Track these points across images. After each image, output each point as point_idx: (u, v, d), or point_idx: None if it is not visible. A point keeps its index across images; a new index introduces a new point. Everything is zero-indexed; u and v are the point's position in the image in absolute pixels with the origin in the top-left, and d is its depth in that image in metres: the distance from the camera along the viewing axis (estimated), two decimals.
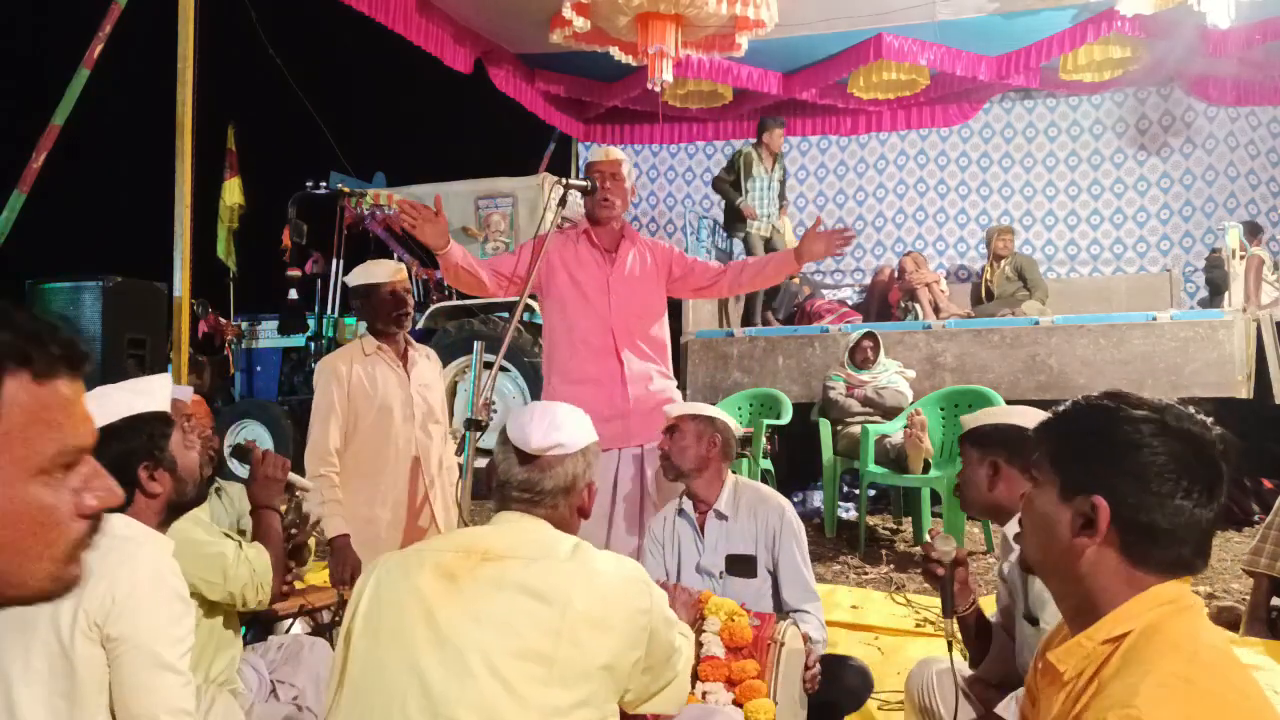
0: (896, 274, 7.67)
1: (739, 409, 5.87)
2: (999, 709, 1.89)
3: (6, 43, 11.39)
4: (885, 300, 7.69)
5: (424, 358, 3.24)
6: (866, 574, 4.55)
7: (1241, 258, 5.94)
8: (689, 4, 5.80)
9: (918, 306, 7.13)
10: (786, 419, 5.62)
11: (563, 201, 3.19)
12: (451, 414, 4.80)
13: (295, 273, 7.85)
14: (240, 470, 7.14)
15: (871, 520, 5.53)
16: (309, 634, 2.69)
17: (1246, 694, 0.99)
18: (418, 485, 3.11)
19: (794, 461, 6.29)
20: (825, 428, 5.36)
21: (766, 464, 5.57)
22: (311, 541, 2.89)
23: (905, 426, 4.81)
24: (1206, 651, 1.02)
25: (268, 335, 8.29)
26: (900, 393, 5.26)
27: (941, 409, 5.20)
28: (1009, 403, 4.87)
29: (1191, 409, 1.11)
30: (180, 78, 4.76)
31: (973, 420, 2.06)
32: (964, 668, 2.03)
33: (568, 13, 5.94)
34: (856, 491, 5.44)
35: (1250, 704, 0.98)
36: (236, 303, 8.69)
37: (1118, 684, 1.00)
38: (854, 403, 5.31)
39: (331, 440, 2.95)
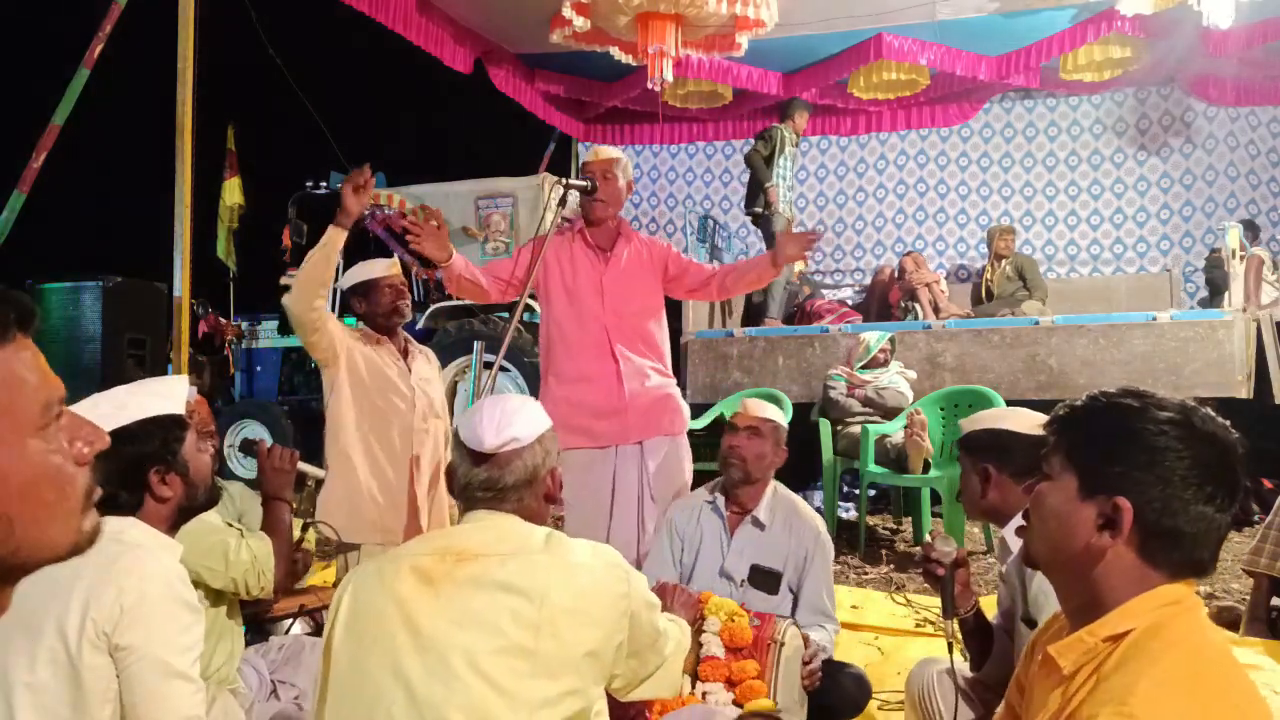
0: (896, 274, 7.67)
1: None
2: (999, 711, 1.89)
3: (6, 43, 11.39)
4: (885, 300, 7.69)
5: (422, 355, 3.27)
6: (866, 574, 4.55)
7: (1241, 258, 5.94)
8: (689, 4, 5.80)
9: (918, 306, 7.12)
10: (786, 419, 5.61)
11: (563, 201, 3.20)
12: (452, 414, 4.81)
13: (295, 273, 7.84)
14: (243, 467, 7.15)
15: (871, 520, 5.53)
16: (309, 634, 2.69)
17: (1246, 696, 0.99)
18: (416, 477, 3.12)
19: (794, 461, 6.25)
20: (825, 428, 5.36)
21: None
22: (311, 543, 2.89)
23: (905, 426, 4.81)
24: (1207, 651, 1.02)
25: (268, 335, 8.28)
26: (901, 393, 5.26)
27: (941, 409, 5.20)
28: (1009, 403, 4.87)
29: (1209, 409, 1.10)
30: (180, 78, 4.76)
31: (968, 424, 2.06)
32: (965, 669, 2.03)
33: (568, 12, 5.94)
34: (856, 491, 5.44)
35: (1250, 706, 0.98)
36: (236, 303, 8.68)
37: (1115, 680, 1.00)
38: (854, 403, 5.31)
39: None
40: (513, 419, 1.51)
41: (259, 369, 8.29)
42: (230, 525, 2.09)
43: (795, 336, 6.28)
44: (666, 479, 3.10)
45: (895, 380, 5.34)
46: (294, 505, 2.33)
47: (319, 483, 3.15)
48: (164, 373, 5.32)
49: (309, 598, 2.92)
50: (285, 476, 2.27)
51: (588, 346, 3.09)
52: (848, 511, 5.94)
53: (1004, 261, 7.42)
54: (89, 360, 5.26)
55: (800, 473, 6.38)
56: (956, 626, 1.92)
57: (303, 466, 2.38)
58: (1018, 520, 1.93)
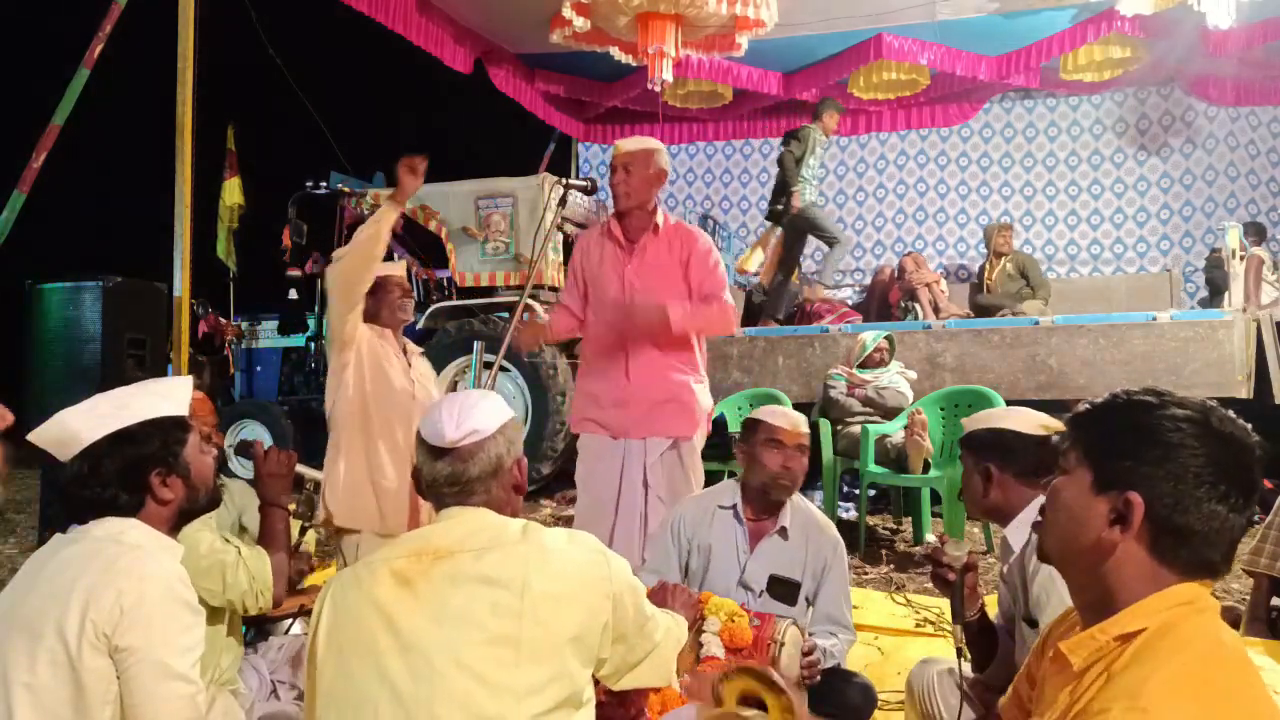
0: (896, 274, 7.67)
1: (739, 409, 5.87)
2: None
3: (6, 43, 11.39)
4: (885, 300, 7.69)
5: (420, 356, 3.28)
6: (866, 574, 4.55)
7: (1241, 258, 5.94)
8: (689, 4, 5.80)
9: (918, 306, 7.12)
10: None
11: (563, 201, 3.21)
12: None
13: (295, 273, 7.84)
14: (243, 467, 7.14)
15: (871, 520, 5.53)
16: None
17: (1258, 698, 0.98)
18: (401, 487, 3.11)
19: None
20: (825, 428, 5.35)
21: None
22: (312, 544, 2.89)
23: (906, 425, 4.81)
24: (1220, 652, 1.01)
25: (268, 335, 8.29)
26: (901, 393, 5.26)
27: (941, 409, 5.20)
28: (1009, 403, 4.87)
29: (1232, 412, 1.10)
30: (180, 78, 4.76)
31: (970, 423, 2.06)
32: (967, 671, 2.03)
33: (568, 13, 5.94)
34: (856, 491, 5.44)
35: (1262, 708, 0.98)
36: (236, 303, 8.69)
37: (1126, 677, 1.00)
38: (855, 402, 5.31)
39: None
40: (472, 412, 1.51)
41: (259, 369, 8.30)
42: (228, 540, 2.04)
43: (795, 336, 6.28)
44: (667, 482, 3.08)
45: (895, 380, 5.34)
46: (292, 510, 2.31)
47: (317, 485, 3.13)
48: (164, 373, 5.32)
49: (309, 598, 2.91)
50: (282, 482, 2.24)
51: (605, 337, 3.15)
52: (848, 511, 5.94)
53: (1004, 259, 7.41)
54: (89, 360, 5.25)
55: None
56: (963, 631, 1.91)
57: (301, 469, 2.35)
58: (1019, 519, 1.93)
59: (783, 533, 2.56)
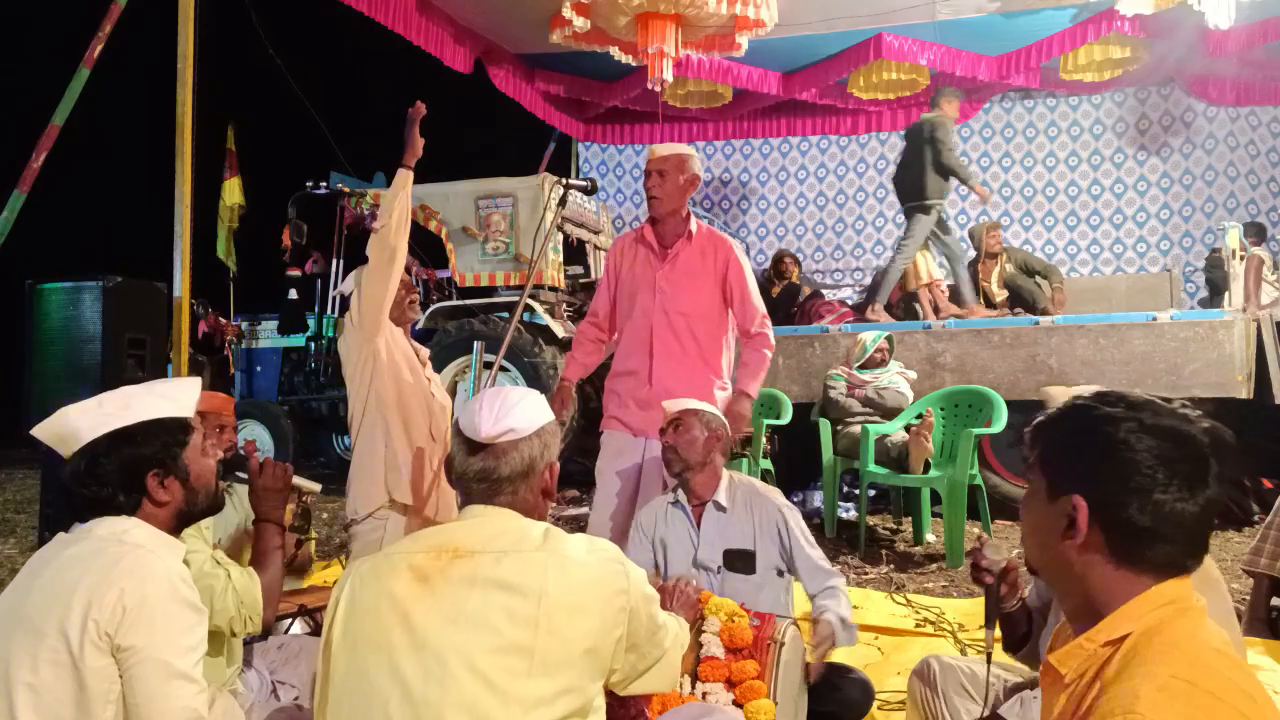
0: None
1: None
2: (1004, 710, 1.89)
3: (6, 43, 11.39)
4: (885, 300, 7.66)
5: (428, 363, 3.27)
6: (866, 574, 4.55)
7: (1241, 258, 5.94)
8: (689, 4, 5.80)
9: (918, 306, 7.11)
10: (786, 419, 5.62)
11: (563, 201, 3.22)
12: (452, 414, 4.81)
13: (295, 273, 7.85)
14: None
15: (871, 520, 5.53)
16: (309, 634, 2.69)
17: (1250, 695, 0.98)
18: (432, 450, 3.07)
19: (794, 461, 6.29)
20: (825, 428, 5.35)
21: (766, 464, 5.57)
22: (312, 544, 2.88)
23: (913, 424, 4.82)
24: (1207, 653, 1.01)
25: (268, 335, 8.29)
26: (901, 393, 5.26)
27: (941, 409, 5.20)
28: (1008, 403, 4.88)
29: (1177, 404, 1.10)
30: (180, 78, 4.75)
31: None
32: (980, 671, 2.02)
33: (568, 13, 5.95)
34: (856, 491, 5.44)
35: (1253, 705, 0.98)
36: (236, 303, 8.70)
37: (1119, 687, 1.00)
38: (855, 403, 5.31)
39: None
40: (512, 410, 1.50)
41: (259, 369, 8.30)
42: (218, 563, 1.99)
43: (795, 336, 6.28)
44: (653, 486, 3.11)
45: (895, 380, 5.34)
46: (288, 524, 2.25)
47: (313, 496, 3.09)
48: (164, 373, 5.31)
49: (309, 598, 2.92)
50: (277, 496, 2.17)
51: (633, 340, 3.21)
52: (848, 511, 5.94)
53: (999, 260, 7.26)
54: (89, 360, 5.24)
55: (800, 473, 6.38)
56: (998, 632, 1.90)
57: (297, 480, 2.28)
58: None
59: (719, 506, 2.65)
